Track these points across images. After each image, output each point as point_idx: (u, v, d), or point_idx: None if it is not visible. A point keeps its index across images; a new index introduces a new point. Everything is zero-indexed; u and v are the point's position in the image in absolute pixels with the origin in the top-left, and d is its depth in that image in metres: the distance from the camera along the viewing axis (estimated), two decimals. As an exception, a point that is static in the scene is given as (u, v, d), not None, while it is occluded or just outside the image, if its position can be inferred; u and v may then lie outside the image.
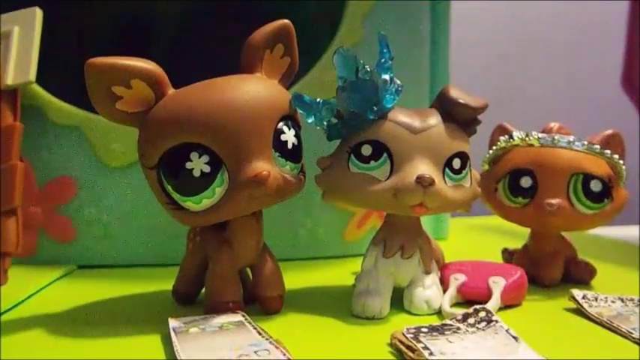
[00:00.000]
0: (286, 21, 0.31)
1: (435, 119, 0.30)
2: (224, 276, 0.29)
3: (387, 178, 0.29)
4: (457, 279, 0.31)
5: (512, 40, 0.93)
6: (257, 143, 0.27)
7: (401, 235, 0.31)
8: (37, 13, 0.39)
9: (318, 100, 0.30)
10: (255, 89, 0.28)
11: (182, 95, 0.27)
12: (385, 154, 0.29)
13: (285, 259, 0.34)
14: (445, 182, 0.29)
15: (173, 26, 0.60)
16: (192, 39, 0.58)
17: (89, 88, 0.26)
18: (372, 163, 0.30)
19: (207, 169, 0.26)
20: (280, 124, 0.28)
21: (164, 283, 0.34)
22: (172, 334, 0.26)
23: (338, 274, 0.41)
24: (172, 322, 0.27)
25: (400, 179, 0.29)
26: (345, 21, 0.44)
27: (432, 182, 0.28)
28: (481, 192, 0.32)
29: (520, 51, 0.94)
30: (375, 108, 0.30)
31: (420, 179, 0.28)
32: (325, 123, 0.31)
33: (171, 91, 0.28)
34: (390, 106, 0.31)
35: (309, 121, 0.30)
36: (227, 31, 0.58)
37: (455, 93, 0.30)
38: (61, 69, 0.44)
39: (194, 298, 0.33)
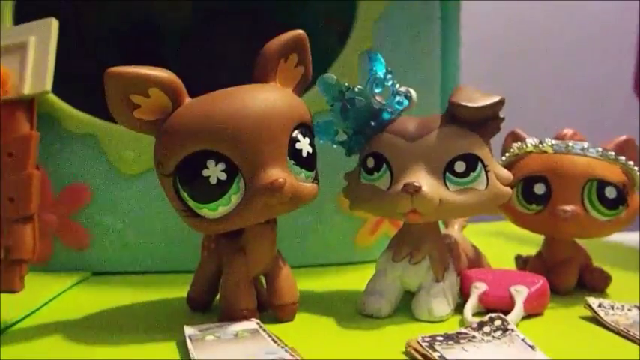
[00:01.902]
0: (300, 31, 0.31)
1: (433, 124, 0.30)
2: (238, 284, 0.30)
3: (389, 188, 0.30)
4: (478, 288, 0.31)
5: (523, 41, 0.93)
6: (272, 151, 0.27)
7: (411, 241, 0.31)
8: (53, 23, 0.39)
9: (325, 121, 0.32)
10: (270, 98, 0.28)
11: (198, 104, 0.28)
12: (385, 165, 0.30)
13: (297, 266, 0.35)
14: (447, 187, 0.29)
15: (185, 30, 0.61)
16: (203, 43, 0.59)
17: (108, 96, 0.27)
18: (375, 174, 0.31)
19: (223, 176, 0.27)
20: (295, 133, 0.28)
21: (179, 290, 0.35)
22: (188, 341, 0.26)
23: (350, 280, 0.41)
24: (188, 330, 0.27)
25: (393, 188, 0.29)
26: (356, 27, 0.44)
27: (417, 189, 0.28)
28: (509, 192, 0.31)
29: (531, 54, 0.94)
30: (373, 123, 0.32)
31: (405, 187, 0.28)
32: (336, 141, 0.32)
33: (187, 99, 0.28)
34: (388, 118, 0.31)
35: (321, 142, 0.31)
36: (237, 34, 0.59)
37: (458, 95, 0.30)
38: (74, 76, 0.44)
39: (209, 305, 0.33)
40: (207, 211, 0.27)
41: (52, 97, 0.41)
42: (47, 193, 0.41)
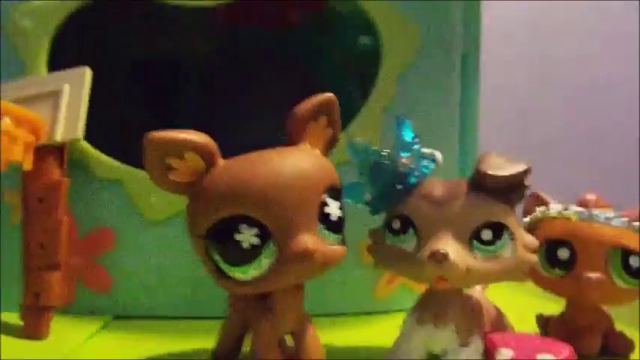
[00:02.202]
0: (331, 95, 0.32)
1: (460, 190, 0.31)
2: (267, 344, 0.30)
3: (415, 251, 0.30)
4: (503, 355, 0.31)
5: (540, 86, 0.94)
6: (304, 217, 0.28)
7: (436, 304, 0.32)
8: (87, 72, 0.40)
9: (352, 183, 0.33)
10: (301, 163, 0.29)
11: (231, 168, 0.28)
12: (411, 228, 0.31)
13: (314, 315, 0.35)
14: (473, 254, 0.30)
15: (205, 72, 0.62)
16: (224, 85, 0.60)
17: (146, 159, 0.27)
18: (401, 235, 0.31)
19: (256, 241, 0.27)
20: (325, 197, 0.29)
21: (202, 337, 0.35)
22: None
23: (370, 332, 0.41)
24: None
25: (420, 253, 0.30)
26: (379, 81, 0.45)
27: (444, 258, 0.28)
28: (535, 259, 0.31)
29: (549, 103, 0.95)
30: (400, 186, 0.32)
31: (432, 254, 0.29)
32: (362, 201, 0.33)
33: (220, 161, 0.29)
34: (414, 182, 0.32)
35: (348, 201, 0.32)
36: (259, 78, 0.60)
37: (485, 163, 0.31)
38: (100, 120, 0.45)
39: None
40: (239, 274, 0.28)
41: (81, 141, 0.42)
42: (73, 237, 0.41)
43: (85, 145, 0.42)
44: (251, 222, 0.27)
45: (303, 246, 0.27)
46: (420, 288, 0.39)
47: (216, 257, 0.28)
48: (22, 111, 0.36)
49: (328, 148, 0.33)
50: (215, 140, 0.29)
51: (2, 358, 0.32)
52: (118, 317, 0.42)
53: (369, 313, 0.45)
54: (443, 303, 0.31)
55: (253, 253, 0.27)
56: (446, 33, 0.48)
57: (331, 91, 0.32)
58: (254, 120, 0.57)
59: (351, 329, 0.42)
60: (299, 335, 0.31)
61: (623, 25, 0.94)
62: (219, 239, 0.28)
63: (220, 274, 0.28)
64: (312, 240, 0.27)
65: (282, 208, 0.27)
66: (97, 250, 0.42)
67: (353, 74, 0.54)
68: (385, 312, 0.45)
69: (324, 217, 0.29)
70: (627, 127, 0.91)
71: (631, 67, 0.94)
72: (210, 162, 0.28)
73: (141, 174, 0.42)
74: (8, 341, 0.35)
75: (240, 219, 0.27)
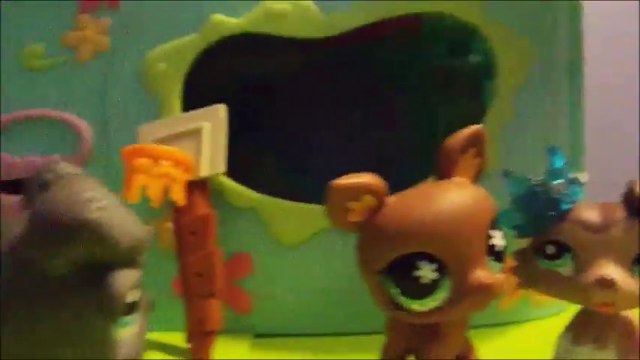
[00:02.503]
0: (479, 127, 0.33)
1: (616, 215, 0.31)
2: (436, 367, 0.32)
3: (574, 275, 0.31)
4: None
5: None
6: (476, 250, 0.29)
7: (597, 324, 0.32)
8: (223, 109, 0.43)
9: (505, 210, 0.33)
10: (467, 198, 0.30)
11: (402, 206, 0.30)
12: (566, 253, 0.31)
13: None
14: (635, 278, 0.30)
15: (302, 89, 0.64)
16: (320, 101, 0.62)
17: (328, 205, 0.30)
18: (556, 260, 0.32)
19: (435, 276, 0.29)
20: (489, 229, 0.30)
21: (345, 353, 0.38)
22: None
23: (499, 344, 0.42)
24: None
25: (582, 279, 0.30)
26: (497, 96, 0.46)
27: (612, 284, 0.29)
28: None
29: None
30: (553, 213, 0.33)
31: (599, 281, 0.29)
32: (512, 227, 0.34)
33: (388, 198, 0.31)
34: (566, 208, 0.33)
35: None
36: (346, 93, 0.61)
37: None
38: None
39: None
40: (416, 306, 0.30)
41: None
42: (218, 264, 0.44)
43: (221, 177, 0.45)
44: (429, 258, 0.29)
45: (480, 280, 0.29)
46: (544, 299, 0.40)
47: (393, 291, 0.30)
48: (177, 152, 0.39)
49: (476, 178, 0.34)
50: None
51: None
52: (259, 336, 0.45)
53: (493, 325, 0.46)
54: (605, 324, 0.32)
55: (432, 287, 0.29)
56: (553, 43, 0.48)
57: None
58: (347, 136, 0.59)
59: (481, 342, 0.43)
60: (463, 358, 0.33)
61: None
62: (398, 276, 0.29)
63: (395, 306, 0.30)
64: (486, 274, 0.29)
65: (458, 244, 0.29)
66: (237, 274, 0.45)
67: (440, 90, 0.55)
68: (507, 324, 0.47)
69: (491, 249, 0.30)
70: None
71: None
72: (381, 200, 0.30)
73: (274, 202, 0.45)
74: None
75: (419, 256, 0.29)
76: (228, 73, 0.55)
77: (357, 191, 0.29)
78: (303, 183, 0.47)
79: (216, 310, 0.40)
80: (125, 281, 0.21)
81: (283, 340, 0.44)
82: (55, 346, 0.21)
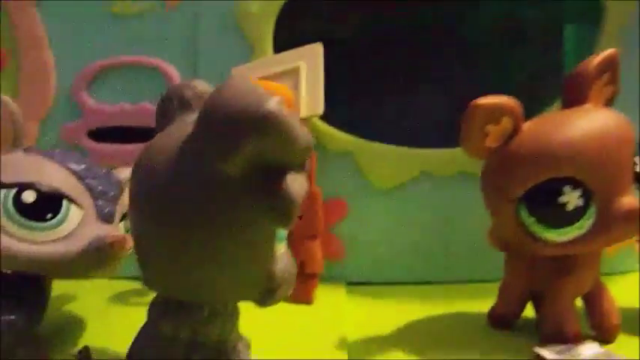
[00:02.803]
0: (614, 50, 0.31)
1: None
2: (567, 307, 0.30)
3: None
4: None
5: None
6: (625, 176, 0.27)
7: None
8: (320, 48, 0.41)
9: None
10: (614, 122, 0.28)
11: (545, 129, 0.28)
12: None
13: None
14: None
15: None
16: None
17: (467, 126, 0.28)
18: None
19: (581, 202, 0.27)
20: (636, 157, 0.28)
21: (432, 302, 0.38)
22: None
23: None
24: (544, 352, 0.28)
25: None
26: (603, 33, 0.43)
27: None
28: None
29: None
30: None
31: None
32: None
33: (524, 124, 0.29)
34: None
35: None
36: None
37: None
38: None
39: (511, 325, 0.33)
40: (555, 235, 0.28)
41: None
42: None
43: (316, 121, 0.44)
44: (574, 183, 0.27)
45: (631, 207, 0.27)
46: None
47: (529, 220, 0.28)
48: (285, 90, 0.38)
49: (608, 106, 0.32)
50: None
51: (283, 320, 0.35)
52: (350, 284, 0.44)
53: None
54: None
55: (576, 214, 0.27)
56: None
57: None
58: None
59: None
60: (595, 297, 0.31)
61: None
62: (538, 203, 0.28)
63: (529, 237, 0.29)
64: (634, 201, 0.27)
65: (607, 168, 0.27)
66: (332, 220, 0.44)
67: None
68: (611, 273, 0.44)
69: (637, 176, 0.28)
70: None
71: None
72: (518, 126, 0.29)
73: (369, 145, 0.44)
74: (279, 307, 0.38)
75: (563, 181, 0.27)
76: (313, 22, 0.54)
77: (499, 111, 0.28)
78: (398, 129, 0.45)
79: (318, 253, 0.39)
80: (300, 186, 0.19)
81: (377, 288, 0.43)
82: (222, 251, 0.20)
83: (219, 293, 0.21)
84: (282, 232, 0.22)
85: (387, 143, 0.44)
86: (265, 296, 0.21)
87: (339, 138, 0.43)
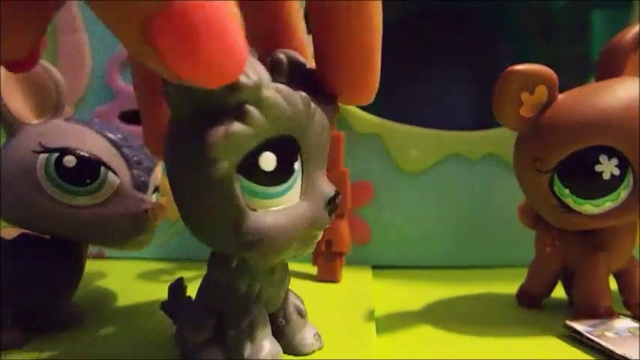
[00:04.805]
0: (650, 22, 0.31)
1: None
2: (600, 282, 0.29)
3: None
4: None
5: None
6: (662, 146, 0.27)
7: None
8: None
9: None
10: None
11: (580, 99, 0.28)
12: None
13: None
14: None
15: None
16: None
17: (500, 94, 0.28)
18: None
19: (617, 171, 0.27)
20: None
21: (461, 285, 0.38)
22: (591, 337, 0.26)
23: None
24: (579, 326, 0.27)
25: None
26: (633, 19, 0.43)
27: None
28: None
29: None
30: None
31: None
32: None
33: (559, 94, 0.29)
34: None
35: None
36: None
37: None
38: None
39: (539, 303, 0.33)
40: (589, 206, 0.28)
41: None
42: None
43: (344, 102, 0.44)
44: (610, 152, 0.27)
45: (668, 176, 0.26)
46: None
47: (563, 191, 0.28)
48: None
49: (642, 79, 0.31)
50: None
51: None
52: (376, 267, 0.44)
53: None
54: None
55: (612, 184, 0.27)
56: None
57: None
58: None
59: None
60: (627, 274, 0.31)
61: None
62: (573, 173, 0.28)
63: (563, 208, 0.28)
64: (673, 170, 0.27)
65: (642, 137, 0.27)
66: (358, 203, 0.44)
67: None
68: None
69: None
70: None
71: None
72: (552, 96, 0.28)
73: (398, 127, 0.44)
74: (305, 284, 0.38)
75: (599, 149, 0.27)
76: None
77: (535, 78, 0.27)
78: (426, 111, 0.45)
79: (345, 232, 0.39)
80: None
81: (404, 271, 0.43)
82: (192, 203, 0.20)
83: (206, 242, 0.21)
84: (274, 190, 0.21)
85: (415, 125, 0.44)
86: (241, 248, 0.20)
87: (366, 119, 0.44)
